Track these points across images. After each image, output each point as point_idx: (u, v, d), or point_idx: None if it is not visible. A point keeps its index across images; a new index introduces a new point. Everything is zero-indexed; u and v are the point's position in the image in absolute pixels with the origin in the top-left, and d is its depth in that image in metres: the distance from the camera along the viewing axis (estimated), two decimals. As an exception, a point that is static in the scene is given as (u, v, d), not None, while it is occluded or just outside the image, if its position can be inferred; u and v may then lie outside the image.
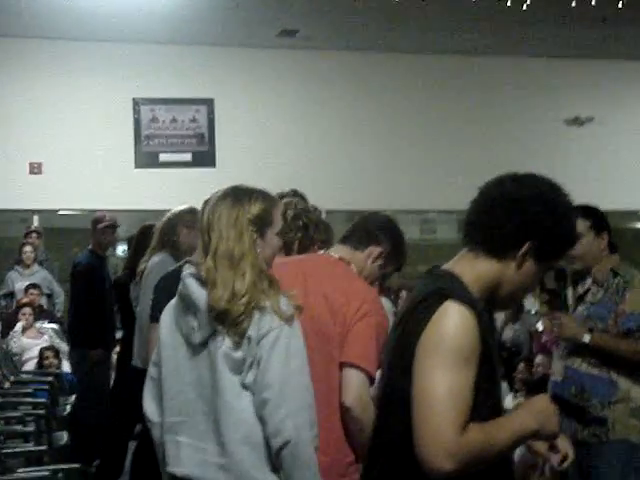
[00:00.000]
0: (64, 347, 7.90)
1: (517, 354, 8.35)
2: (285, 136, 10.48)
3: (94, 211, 9.30)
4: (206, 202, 2.73)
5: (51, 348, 7.78)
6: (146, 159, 10.28)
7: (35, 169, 10.15)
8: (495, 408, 2.20)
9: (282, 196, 3.71)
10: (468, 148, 10.16)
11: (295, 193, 3.88)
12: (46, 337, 8.14)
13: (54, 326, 8.48)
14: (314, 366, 2.94)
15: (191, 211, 4.81)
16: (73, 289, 7.29)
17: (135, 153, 10.27)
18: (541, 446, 2.42)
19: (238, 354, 2.52)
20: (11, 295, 9.38)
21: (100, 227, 7.01)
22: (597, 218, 4.18)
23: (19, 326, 8.11)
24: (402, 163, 10.63)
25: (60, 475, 4.47)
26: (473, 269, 2.24)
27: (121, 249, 9.87)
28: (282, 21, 9.52)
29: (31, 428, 5.71)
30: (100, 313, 6.93)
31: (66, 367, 7.64)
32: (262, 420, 2.52)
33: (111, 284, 6.93)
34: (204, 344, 2.57)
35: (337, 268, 3.19)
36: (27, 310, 8.30)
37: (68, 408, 6.57)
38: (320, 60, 10.46)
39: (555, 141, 11.07)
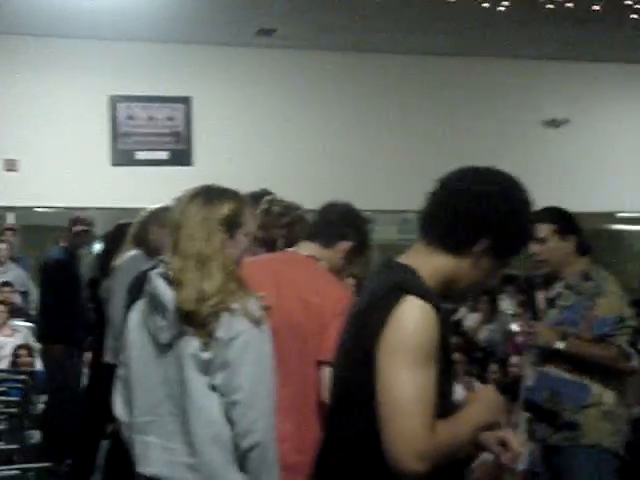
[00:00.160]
0: (38, 345, 7.86)
1: (492, 354, 8.38)
2: (262, 135, 10.47)
3: (70, 208, 9.27)
4: (176, 201, 2.72)
5: (25, 346, 7.73)
6: (122, 157, 10.23)
7: (11, 166, 10.08)
8: (449, 402, 2.20)
9: (255, 196, 3.71)
10: (445, 149, 10.17)
11: (266, 192, 3.87)
12: (20, 335, 8.09)
13: (28, 324, 8.43)
14: (289, 366, 2.95)
15: (165, 209, 4.80)
16: (42, 284, 7.27)
17: (111, 151, 10.22)
18: (493, 443, 2.42)
19: (206, 355, 2.51)
20: (-15, 293, 9.30)
21: (75, 230, 7.00)
22: (563, 221, 4.17)
23: (-7, 324, 8.07)
24: (379, 163, 10.64)
25: (31, 474, 4.44)
26: (429, 263, 2.21)
27: (97, 247, 9.83)
28: (260, 20, 9.52)
29: (3, 426, 5.68)
30: (69, 310, 6.90)
31: (39, 365, 7.60)
32: (231, 421, 2.52)
33: (85, 282, 6.91)
34: (172, 344, 2.56)
35: (308, 266, 3.20)
36: (1, 308, 8.24)
37: (41, 407, 6.54)
38: (298, 59, 10.46)
39: (532, 143, 11.11)
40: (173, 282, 2.56)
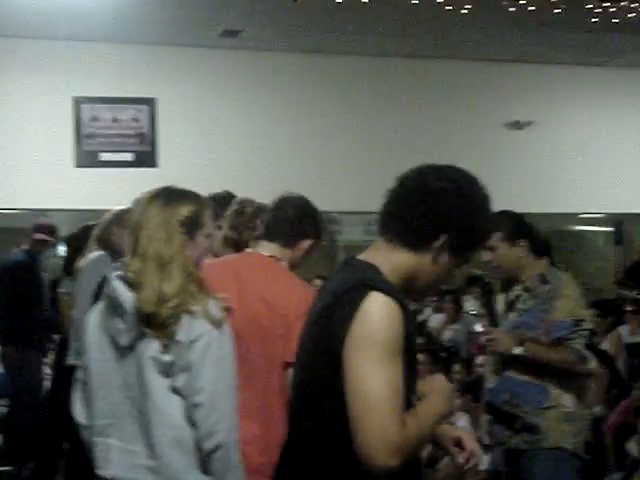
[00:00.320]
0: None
1: (456, 354, 8.43)
2: (228, 137, 10.44)
3: (33, 210, 9.21)
4: (136, 202, 2.71)
5: (-13, 349, 7.65)
6: (86, 158, 10.15)
7: (-27, 167, 9.99)
8: (415, 397, 2.21)
9: (217, 197, 3.71)
10: (409, 150, 10.18)
11: (229, 194, 3.88)
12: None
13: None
14: (253, 367, 2.93)
15: (128, 211, 4.79)
16: (0, 287, 7.22)
17: (76, 152, 10.14)
18: (449, 444, 2.44)
19: (167, 357, 2.50)
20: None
21: (37, 238, 6.97)
22: (512, 226, 4.17)
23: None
24: (345, 164, 10.64)
25: (-8, 478, 4.41)
26: (390, 260, 2.23)
27: (61, 249, 9.76)
28: (225, 21, 9.49)
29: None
30: (28, 312, 6.85)
31: (0, 368, 7.53)
32: (194, 423, 2.51)
33: (47, 284, 6.86)
34: (131, 347, 2.55)
35: (270, 267, 3.19)
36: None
37: (1, 410, 6.48)
38: (263, 61, 10.43)
39: (496, 145, 11.16)
40: (132, 284, 2.54)
